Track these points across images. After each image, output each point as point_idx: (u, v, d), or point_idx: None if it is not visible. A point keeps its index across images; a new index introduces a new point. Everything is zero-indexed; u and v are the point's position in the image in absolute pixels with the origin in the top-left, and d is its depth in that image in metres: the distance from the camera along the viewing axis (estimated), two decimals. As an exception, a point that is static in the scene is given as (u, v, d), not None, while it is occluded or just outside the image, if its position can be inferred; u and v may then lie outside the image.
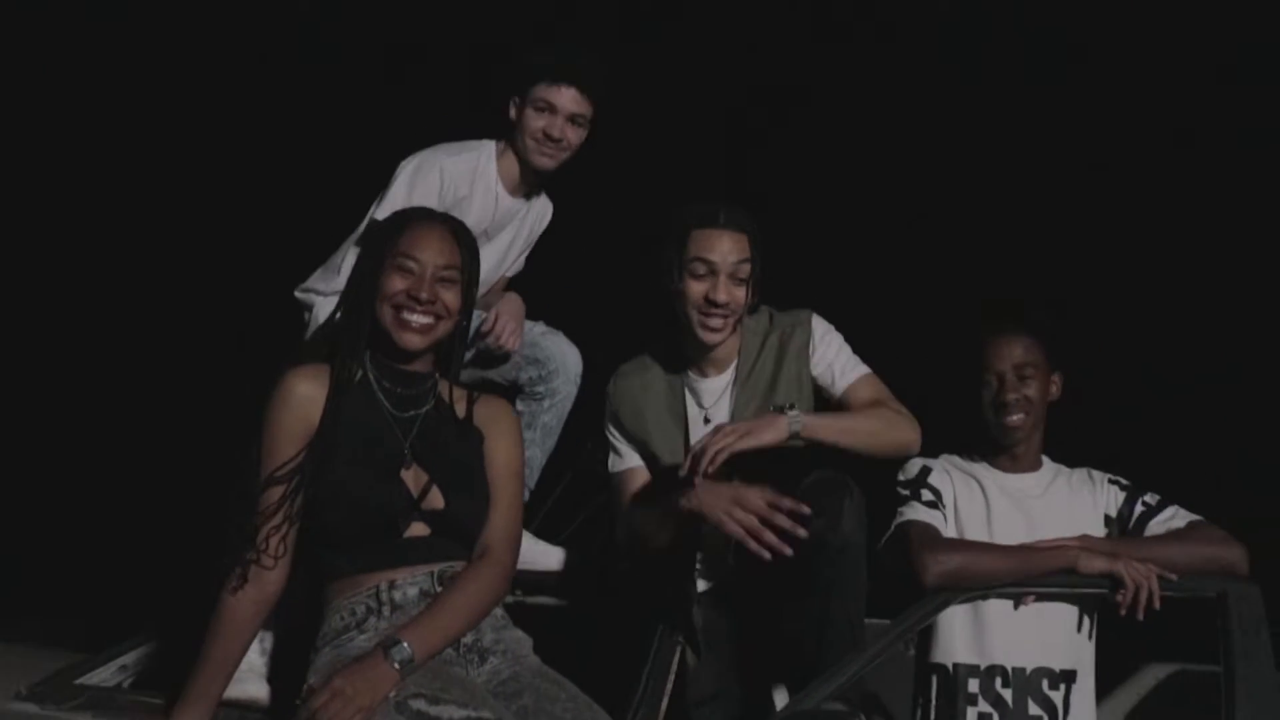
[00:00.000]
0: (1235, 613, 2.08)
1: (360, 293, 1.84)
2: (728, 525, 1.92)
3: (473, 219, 2.41)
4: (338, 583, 1.74)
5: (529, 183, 2.63)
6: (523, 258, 2.83)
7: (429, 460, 1.80)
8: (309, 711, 1.48)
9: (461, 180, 2.49)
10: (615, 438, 2.39)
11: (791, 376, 2.30)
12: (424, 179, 2.44)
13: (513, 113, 2.55)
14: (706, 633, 2.22)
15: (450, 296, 1.84)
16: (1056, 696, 2.24)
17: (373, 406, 1.81)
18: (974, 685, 2.26)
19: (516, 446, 1.93)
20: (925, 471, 2.37)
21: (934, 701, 2.29)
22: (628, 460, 2.36)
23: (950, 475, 2.38)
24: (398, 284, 1.80)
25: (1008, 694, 2.23)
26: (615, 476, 2.37)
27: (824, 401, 2.34)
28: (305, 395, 1.76)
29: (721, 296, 2.19)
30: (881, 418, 2.21)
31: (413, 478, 1.78)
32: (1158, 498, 2.31)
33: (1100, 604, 2.25)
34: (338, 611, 1.71)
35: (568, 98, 2.49)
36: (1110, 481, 2.36)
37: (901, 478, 2.39)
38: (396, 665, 1.55)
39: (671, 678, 2.11)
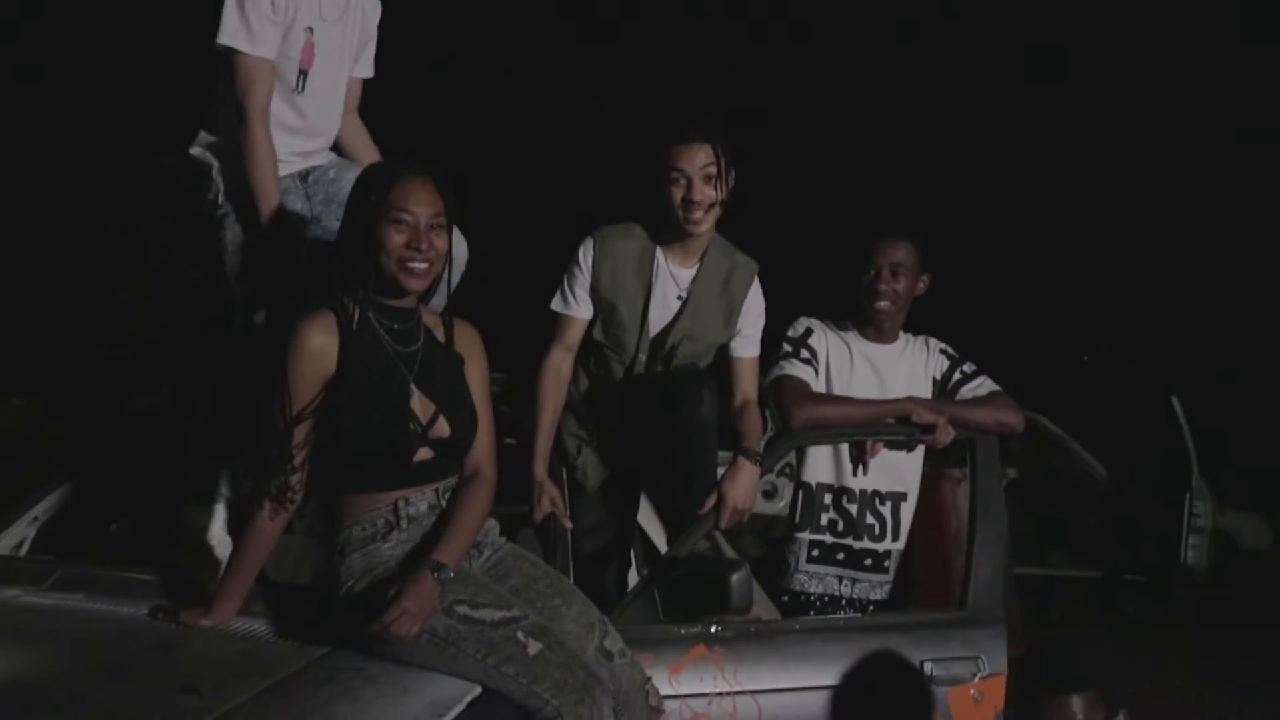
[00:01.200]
0: (983, 452, 2.76)
1: (360, 245, 1.95)
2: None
3: (305, 11, 2.47)
4: (356, 497, 1.95)
5: None
6: (370, 57, 2.82)
7: (432, 390, 2.00)
8: (382, 625, 1.77)
9: None
10: (578, 286, 2.62)
11: (727, 302, 2.66)
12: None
13: None
14: (588, 476, 2.67)
15: (440, 242, 1.99)
16: (885, 510, 2.88)
17: (378, 345, 1.96)
18: (828, 499, 2.87)
19: (486, 368, 2.15)
20: (808, 333, 2.84)
21: (799, 509, 2.89)
22: (580, 309, 2.62)
23: (826, 337, 2.85)
24: (396, 237, 1.94)
25: (852, 507, 2.85)
26: (567, 319, 2.63)
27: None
28: (320, 346, 1.91)
29: (695, 195, 2.50)
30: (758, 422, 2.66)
31: (420, 407, 1.98)
32: (973, 367, 2.89)
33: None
34: (359, 523, 1.95)
35: None
36: (941, 351, 2.92)
37: (789, 334, 2.85)
38: (438, 580, 1.85)
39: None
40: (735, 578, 2.19)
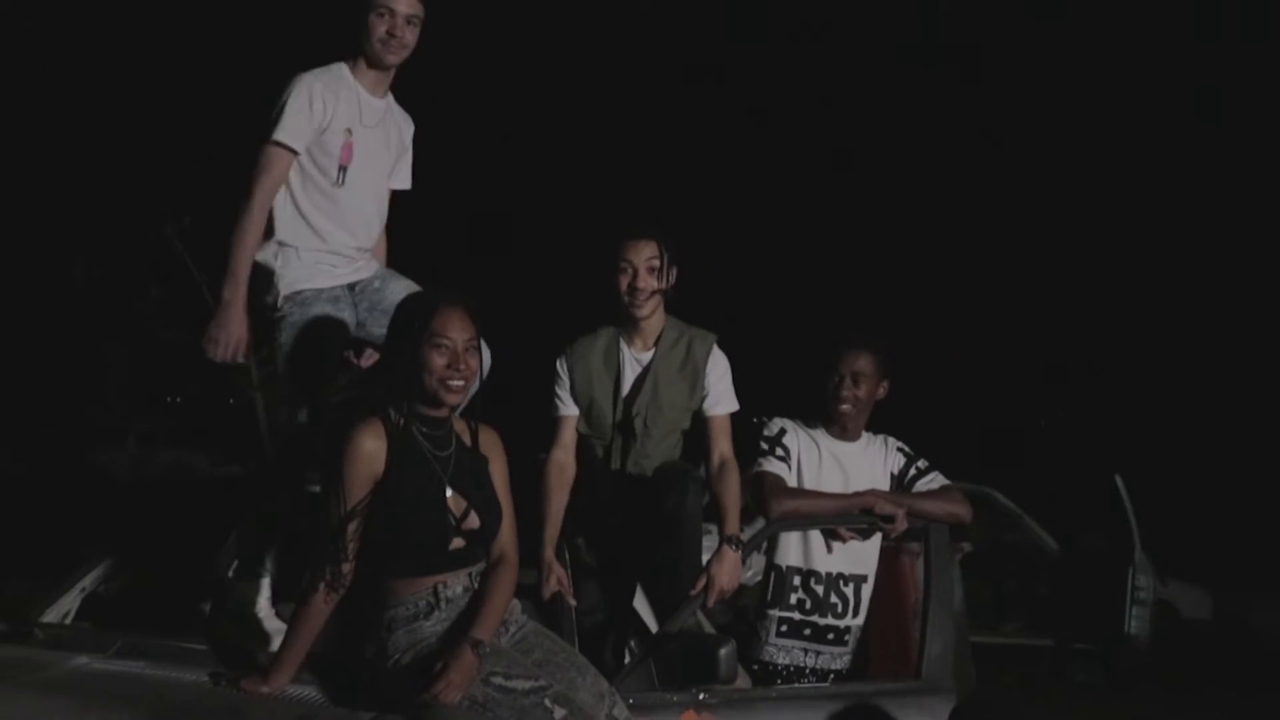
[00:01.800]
0: (935, 540, 3.15)
1: (405, 365, 2.30)
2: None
3: (344, 115, 2.90)
4: (400, 582, 2.27)
5: (381, 83, 3.03)
6: (407, 170, 3.23)
7: (463, 489, 2.34)
8: (431, 694, 2.08)
9: (329, 91, 2.90)
10: (562, 390, 3.07)
11: (690, 372, 3.08)
12: (299, 98, 2.83)
13: (355, 21, 2.94)
14: (592, 564, 3.05)
15: (474, 361, 2.35)
16: (849, 590, 3.23)
17: (418, 450, 2.31)
18: (797, 580, 3.21)
19: (506, 466, 2.51)
20: (782, 432, 3.22)
21: (770, 589, 3.23)
22: (567, 409, 3.07)
23: (798, 436, 3.23)
24: (438, 360, 2.28)
25: (819, 588, 3.19)
26: (559, 420, 3.07)
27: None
28: (371, 450, 2.24)
29: (639, 284, 2.96)
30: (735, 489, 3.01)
31: (454, 503, 2.31)
32: (926, 464, 3.28)
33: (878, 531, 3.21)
34: (402, 603, 2.26)
35: (403, 2, 2.94)
36: (898, 449, 3.31)
37: (765, 434, 3.23)
38: (479, 655, 2.17)
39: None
40: (723, 652, 2.51)
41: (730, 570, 2.80)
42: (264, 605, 2.70)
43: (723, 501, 2.95)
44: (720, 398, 3.09)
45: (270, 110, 2.84)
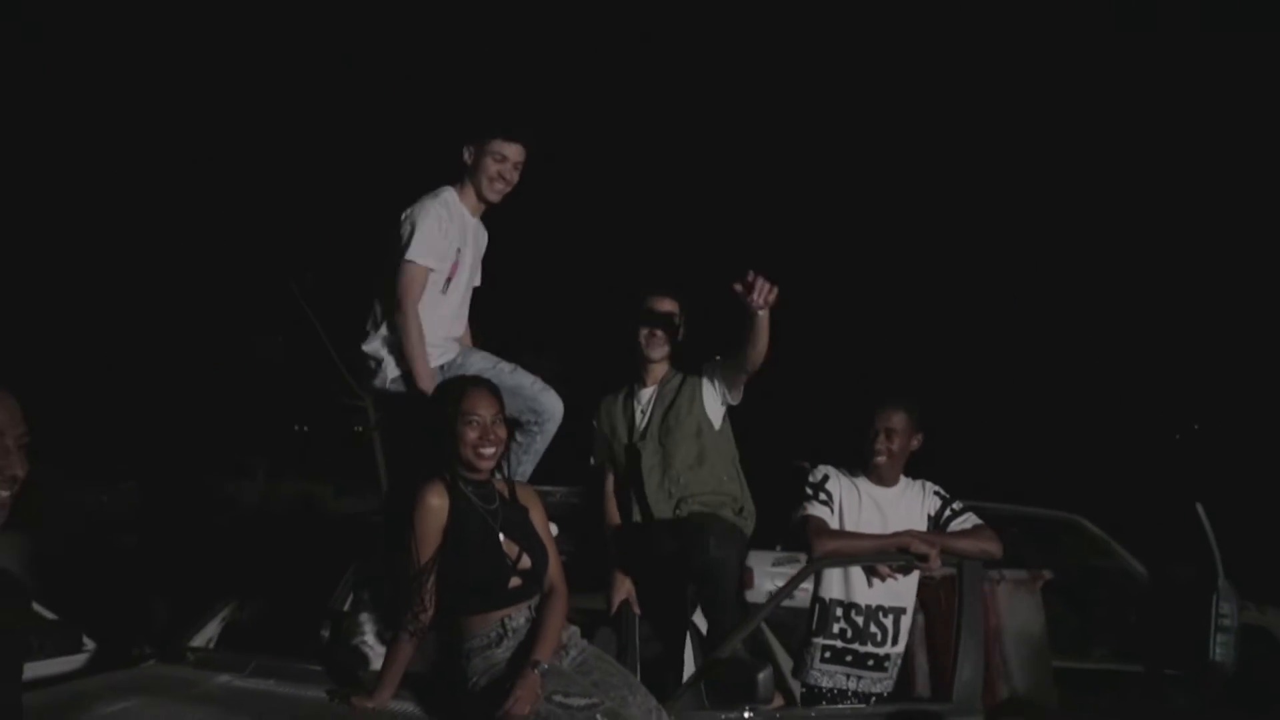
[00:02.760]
0: (968, 575, 3.41)
1: (446, 439, 2.75)
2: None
3: (456, 238, 3.43)
4: (472, 617, 2.71)
5: (479, 209, 3.58)
6: (479, 271, 3.74)
7: (514, 535, 2.78)
8: (504, 711, 2.50)
9: (450, 219, 3.42)
10: (597, 438, 3.79)
11: (689, 387, 3.69)
12: (436, 218, 3.36)
13: (468, 157, 3.48)
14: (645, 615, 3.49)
15: (501, 432, 2.81)
16: (888, 622, 3.53)
17: (470, 505, 2.75)
18: (839, 612, 3.53)
19: (544, 512, 2.95)
20: (825, 479, 3.57)
21: (814, 620, 3.56)
22: (602, 455, 3.78)
23: (840, 482, 3.57)
24: (471, 434, 2.75)
25: (859, 619, 3.50)
26: (599, 466, 3.78)
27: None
28: (437, 506, 2.70)
29: (657, 333, 3.69)
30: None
31: (508, 547, 2.75)
32: (961, 505, 3.58)
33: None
34: (476, 636, 2.70)
35: (515, 150, 3.48)
36: (934, 493, 3.61)
37: (810, 479, 3.59)
38: (539, 674, 2.59)
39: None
40: (761, 676, 2.87)
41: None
42: (371, 634, 3.18)
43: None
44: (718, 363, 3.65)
45: (402, 229, 3.37)
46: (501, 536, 2.75)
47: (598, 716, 2.53)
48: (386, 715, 2.71)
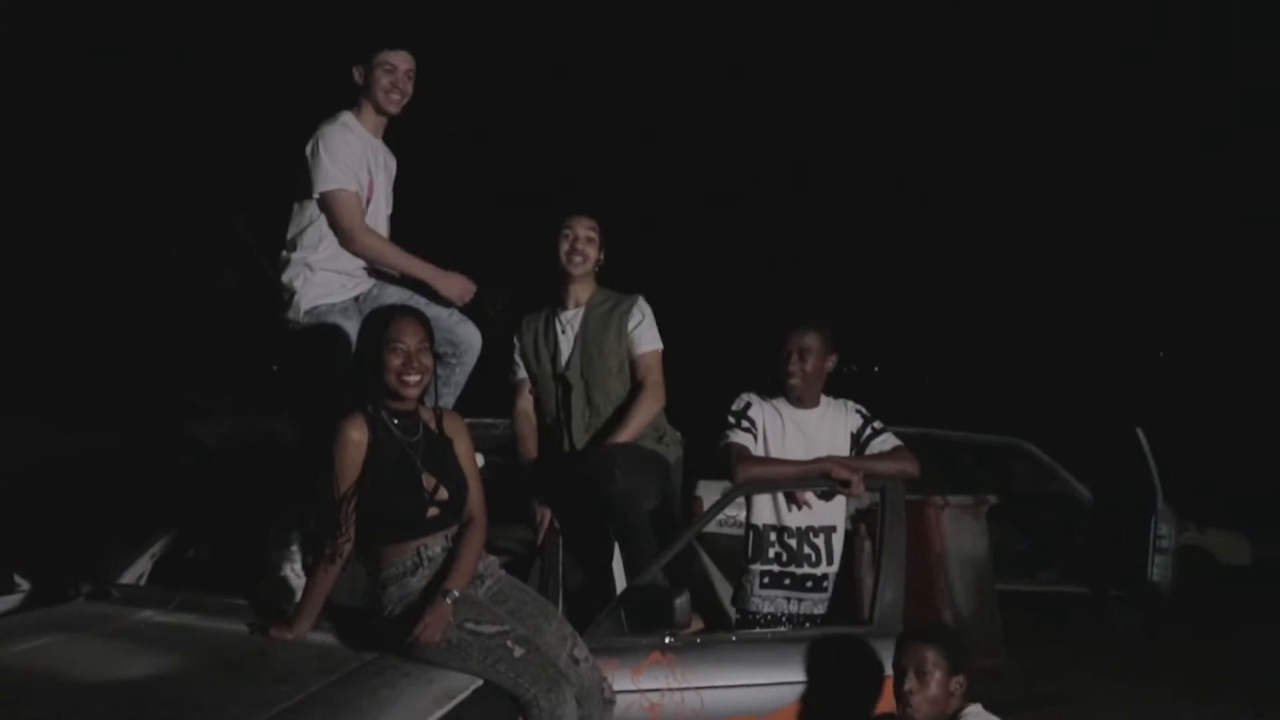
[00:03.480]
0: (890, 497, 3.45)
1: (371, 368, 2.74)
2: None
3: (368, 160, 3.40)
4: (389, 547, 2.72)
5: (381, 128, 3.54)
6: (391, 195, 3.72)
7: (433, 467, 2.77)
8: (414, 636, 2.53)
9: (359, 133, 3.41)
10: (517, 360, 3.74)
11: (614, 322, 3.62)
12: (343, 141, 3.33)
13: (358, 77, 3.45)
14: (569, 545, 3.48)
15: (427, 360, 2.79)
16: (820, 541, 3.57)
17: (392, 437, 2.74)
18: (772, 536, 3.58)
19: (470, 442, 2.95)
20: (747, 406, 3.60)
21: (749, 547, 3.60)
22: (521, 372, 3.75)
23: (763, 408, 3.60)
24: (395, 362, 2.72)
25: (792, 541, 3.55)
26: (514, 385, 3.77)
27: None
28: (357, 439, 2.68)
29: (578, 246, 3.62)
30: (645, 408, 3.55)
31: (427, 480, 2.75)
32: (881, 424, 3.60)
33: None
34: (392, 565, 2.71)
35: (403, 58, 3.46)
36: (855, 410, 3.64)
37: (733, 408, 3.61)
38: (449, 602, 2.61)
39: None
40: (678, 602, 2.92)
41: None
42: (296, 566, 3.19)
43: (627, 415, 3.50)
44: (643, 337, 3.62)
45: (311, 163, 3.31)
46: (421, 468, 2.75)
47: (508, 643, 2.57)
48: (303, 646, 2.74)
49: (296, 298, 3.30)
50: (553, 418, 3.66)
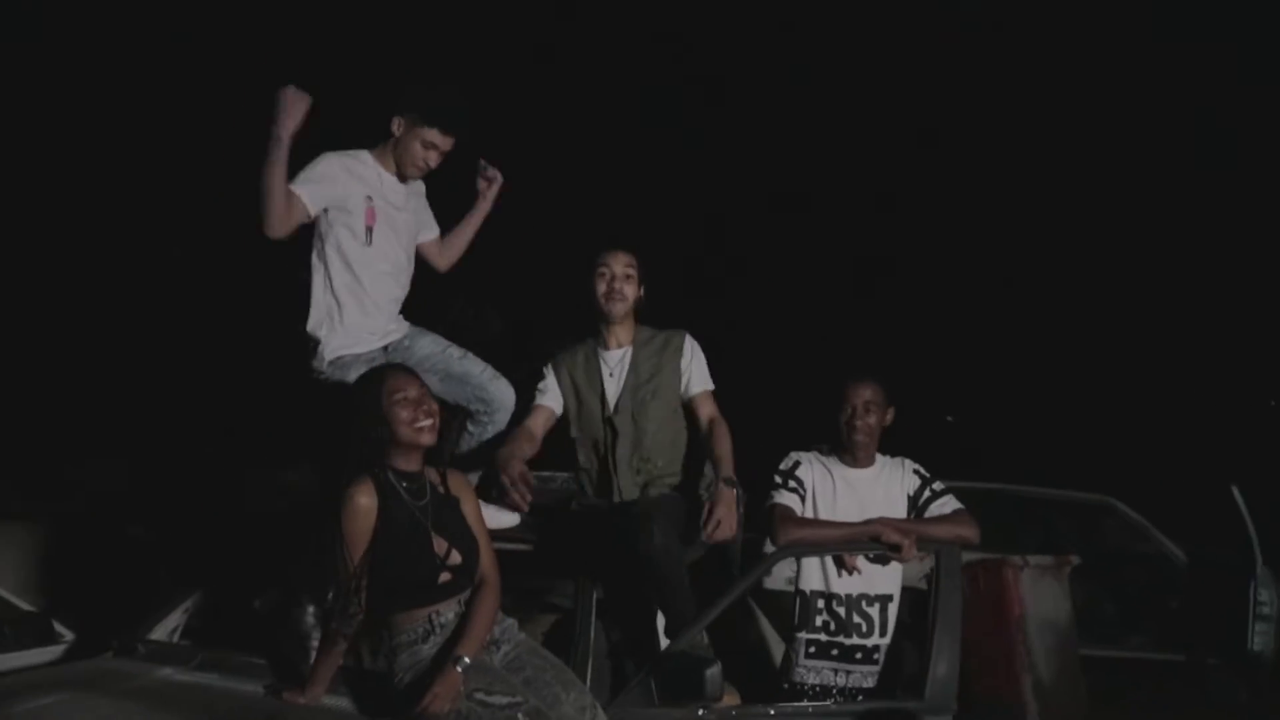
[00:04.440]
0: (945, 563, 3.24)
1: (375, 432, 2.65)
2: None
3: (364, 186, 3.27)
4: (400, 615, 2.62)
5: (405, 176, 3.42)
6: (432, 224, 3.65)
7: (443, 531, 2.68)
8: (422, 706, 2.41)
9: (367, 164, 3.31)
10: (549, 384, 3.50)
11: (666, 363, 3.44)
12: (333, 161, 3.23)
13: (396, 128, 3.33)
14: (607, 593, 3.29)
15: (433, 406, 2.72)
16: (873, 611, 3.36)
17: (401, 502, 2.65)
18: (820, 604, 3.38)
19: (477, 502, 2.85)
20: (795, 465, 3.42)
21: (796, 614, 3.41)
22: (548, 399, 3.48)
23: (812, 467, 3.41)
24: (405, 413, 2.65)
25: (841, 610, 3.34)
26: (534, 406, 3.49)
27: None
28: (366, 506, 2.59)
29: (616, 286, 3.39)
30: (727, 440, 3.32)
31: (438, 544, 2.65)
32: (941, 486, 3.40)
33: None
34: (404, 632, 2.61)
35: (449, 142, 3.35)
36: (914, 471, 3.44)
37: (780, 467, 3.45)
38: (460, 671, 2.48)
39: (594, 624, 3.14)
40: (709, 672, 2.75)
41: (727, 505, 3.01)
42: (312, 627, 3.10)
43: (715, 452, 3.27)
44: (698, 377, 3.44)
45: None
46: (431, 532, 2.65)
47: (519, 716, 2.43)
48: (314, 711, 2.64)
49: (321, 347, 3.24)
50: (599, 463, 3.47)
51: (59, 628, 3.55)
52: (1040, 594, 4.02)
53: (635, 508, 3.17)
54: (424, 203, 3.57)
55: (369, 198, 3.28)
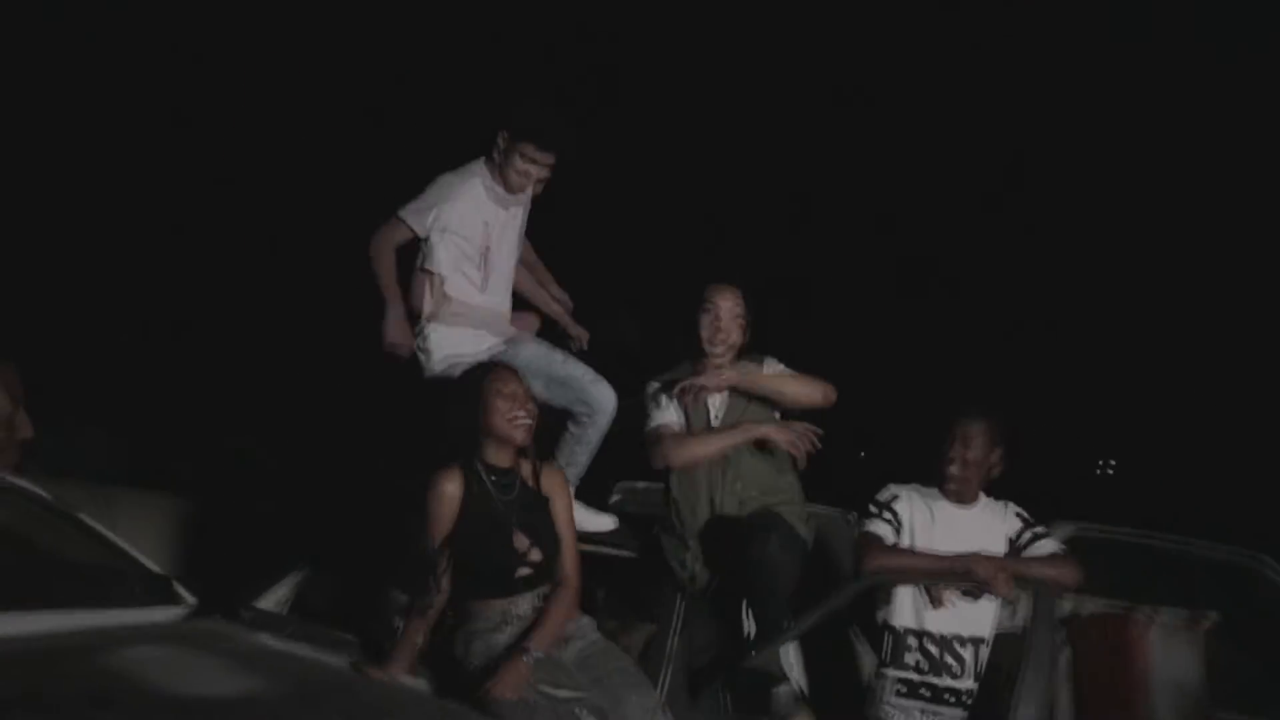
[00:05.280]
0: (1039, 604, 3.11)
1: (472, 421, 2.74)
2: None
3: (484, 211, 3.43)
4: (478, 601, 2.71)
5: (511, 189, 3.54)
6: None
7: (527, 529, 2.75)
8: (485, 692, 2.47)
9: (486, 184, 3.47)
10: (661, 405, 3.48)
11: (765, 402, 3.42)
12: (449, 188, 3.42)
13: (501, 143, 3.46)
14: (696, 581, 3.33)
15: (533, 406, 2.81)
16: (966, 653, 3.25)
17: (487, 495, 2.74)
18: (912, 641, 3.27)
19: (569, 502, 2.91)
20: (894, 498, 3.37)
21: (886, 650, 3.31)
22: (665, 418, 3.46)
23: (911, 502, 3.35)
24: (503, 405, 2.75)
25: (933, 649, 3.24)
26: (657, 428, 3.47)
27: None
28: (451, 493, 2.71)
29: (721, 327, 3.40)
30: (802, 381, 3.37)
31: (519, 540, 2.73)
32: (1044, 529, 3.29)
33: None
34: (480, 619, 2.70)
35: (548, 161, 3.46)
36: (1016, 514, 3.34)
37: (877, 497, 3.39)
38: (528, 662, 2.53)
39: (678, 631, 3.13)
40: (779, 690, 2.72)
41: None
42: (398, 609, 3.19)
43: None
44: (783, 371, 3.42)
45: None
46: (514, 527, 2.72)
47: (579, 711, 2.45)
48: (390, 689, 2.71)
49: (432, 353, 3.37)
50: (701, 492, 3.44)
51: (181, 590, 3.76)
52: (1169, 651, 3.80)
53: (759, 517, 3.17)
54: (528, 202, 3.69)
55: (486, 223, 3.44)
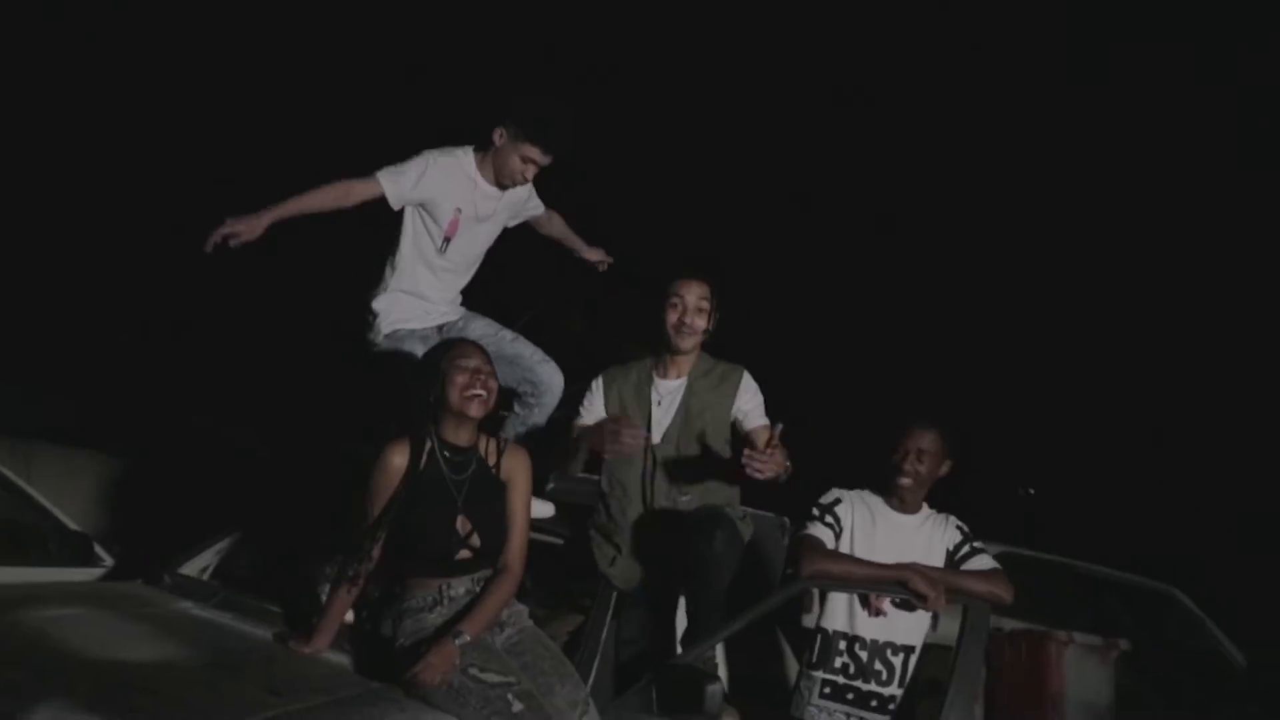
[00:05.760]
0: (973, 620, 3.13)
1: (429, 394, 2.68)
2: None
3: (456, 198, 3.31)
4: (413, 579, 2.65)
5: (502, 185, 3.44)
6: (538, 206, 3.69)
7: (472, 513, 2.68)
8: (413, 673, 2.42)
9: (466, 171, 3.35)
10: (594, 402, 3.38)
11: (720, 400, 3.31)
12: (428, 163, 3.28)
13: (497, 138, 3.35)
14: (619, 580, 3.25)
15: (492, 384, 2.73)
16: (896, 660, 3.25)
17: (437, 471, 2.67)
18: (842, 645, 3.28)
19: (528, 488, 2.83)
20: (836, 501, 3.35)
21: (815, 651, 3.31)
22: (591, 418, 3.34)
23: (854, 507, 3.34)
24: (461, 379, 2.67)
25: (863, 654, 3.25)
26: (581, 421, 3.37)
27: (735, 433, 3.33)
28: (396, 465, 2.63)
29: (688, 319, 3.26)
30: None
31: (462, 524, 2.67)
32: (981, 544, 3.29)
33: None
34: (413, 597, 2.63)
35: (546, 160, 3.36)
36: (956, 526, 3.34)
37: (820, 500, 3.36)
38: (458, 644, 2.49)
39: (607, 625, 3.11)
40: (709, 689, 2.70)
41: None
42: (327, 581, 3.12)
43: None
44: (754, 413, 3.30)
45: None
46: (459, 509, 2.67)
47: (509, 695, 2.41)
48: (314, 662, 2.66)
49: (378, 319, 3.30)
50: (632, 489, 3.32)
51: (100, 551, 3.65)
52: (1083, 674, 3.88)
53: (704, 510, 3.12)
54: (528, 192, 3.60)
55: (458, 210, 3.35)
